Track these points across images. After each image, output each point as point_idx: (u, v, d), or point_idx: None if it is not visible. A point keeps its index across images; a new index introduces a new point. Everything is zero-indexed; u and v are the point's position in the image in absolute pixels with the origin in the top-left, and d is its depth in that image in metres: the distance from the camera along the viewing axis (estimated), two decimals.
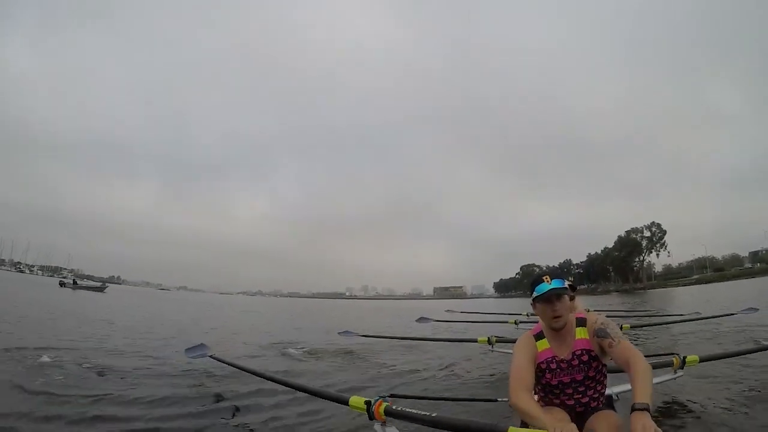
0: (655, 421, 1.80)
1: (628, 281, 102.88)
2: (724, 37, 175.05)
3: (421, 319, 11.17)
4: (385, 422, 2.58)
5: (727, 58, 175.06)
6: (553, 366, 2.45)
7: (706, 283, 73.28)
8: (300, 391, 3.74)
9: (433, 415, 2.31)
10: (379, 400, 2.61)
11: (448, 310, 15.99)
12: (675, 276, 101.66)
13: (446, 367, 7.28)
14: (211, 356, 5.56)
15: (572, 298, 4.38)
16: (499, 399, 3.76)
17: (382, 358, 8.37)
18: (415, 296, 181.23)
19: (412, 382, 6.23)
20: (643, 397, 1.92)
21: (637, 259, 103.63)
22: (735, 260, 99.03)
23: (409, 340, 9.40)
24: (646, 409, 1.85)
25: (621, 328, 6.68)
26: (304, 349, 9.50)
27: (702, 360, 4.05)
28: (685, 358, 3.91)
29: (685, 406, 4.41)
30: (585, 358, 2.41)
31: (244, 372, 4.85)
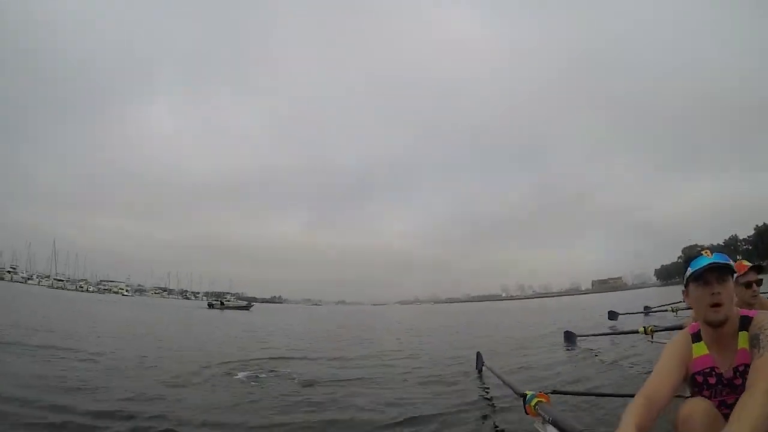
0: None
1: None
2: None
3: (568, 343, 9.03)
4: (544, 420, 2.35)
5: None
6: (712, 381, 1.88)
7: None
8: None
9: (571, 414, 2.76)
10: (536, 395, 2.55)
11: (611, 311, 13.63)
12: None
13: (606, 362, 6.71)
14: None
15: (752, 285, 3.04)
16: None
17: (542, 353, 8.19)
18: (573, 291, 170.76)
19: (574, 378, 5.72)
20: (741, 428, 1.37)
21: None
22: None
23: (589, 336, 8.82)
24: None
25: None
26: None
27: None
28: None
29: None
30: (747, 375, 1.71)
31: None
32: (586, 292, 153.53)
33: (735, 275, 1.92)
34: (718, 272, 1.81)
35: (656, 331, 6.27)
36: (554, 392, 3.02)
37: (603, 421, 3.34)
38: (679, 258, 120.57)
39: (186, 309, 41.96)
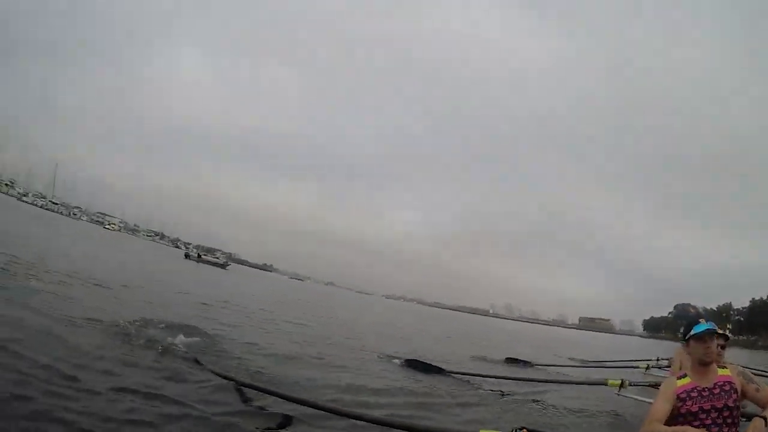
0: None
1: None
2: None
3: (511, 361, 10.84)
4: None
5: None
6: (694, 394, 2.58)
7: None
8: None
9: None
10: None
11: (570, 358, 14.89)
12: None
13: (574, 404, 6.90)
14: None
15: (723, 347, 4.18)
16: None
17: (520, 388, 7.80)
18: (560, 323, 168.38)
19: (541, 419, 5.83)
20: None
21: None
22: None
23: (527, 381, 8.53)
24: (763, 418, 2.29)
25: None
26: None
27: None
28: None
29: None
30: (727, 387, 2.57)
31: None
32: (573, 327, 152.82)
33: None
34: (710, 335, 2.63)
35: (633, 385, 6.06)
36: (526, 429, 2.93)
37: None
38: (669, 313, 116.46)
39: (163, 256, 41.79)
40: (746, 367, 9.20)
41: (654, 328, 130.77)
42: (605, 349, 23.79)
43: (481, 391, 7.19)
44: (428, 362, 8.56)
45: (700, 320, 2.64)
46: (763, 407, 2.46)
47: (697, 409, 2.50)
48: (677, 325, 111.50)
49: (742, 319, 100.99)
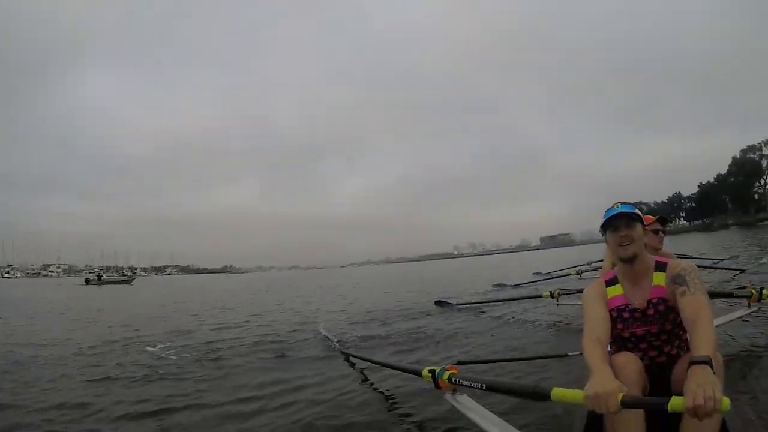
0: (726, 362, 1.86)
1: (748, 212, 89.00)
2: None
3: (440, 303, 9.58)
4: (455, 390, 2.56)
5: None
6: (626, 315, 2.22)
7: None
8: (375, 364, 4.32)
9: (487, 380, 2.33)
10: (446, 368, 2.61)
11: (495, 285, 13.37)
12: None
13: (514, 326, 6.86)
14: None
15: (660, 233, 3.92)
16: (569, 353, 3.49)
17: (449, 325, 7.43)
18: (523, 248, 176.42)
19: (481, 345, 5.70)
20: (704, 349, 1.65)
21: (757, 184, 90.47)
22: None
23: (472, 304, 8.98)
24: (707, 362, 1.57)
25: None
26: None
27: None
28: (762, 290, 3.81)
29: (760, 347, 3.92)
30: (661, 308, 2.14)
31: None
32: (536, 249, 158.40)
33: (645, 225, 2.30)
34: (626, 219, 2.18)
35: (564, 294, 6.38)
36: (460, 363, 3.11)
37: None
38: None
39: (62, 287, 39.38)
40: (700, 258, 10.42)
41: None
42: (553, 261, 23.51)
43: (418, 333, 6.82)
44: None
45: (615, 205, 2.27)
46: (687, 317, 1.87)
47: (628, 334, 2.19)
48: None
49: (694, 204, 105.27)
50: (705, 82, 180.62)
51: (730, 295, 4.25)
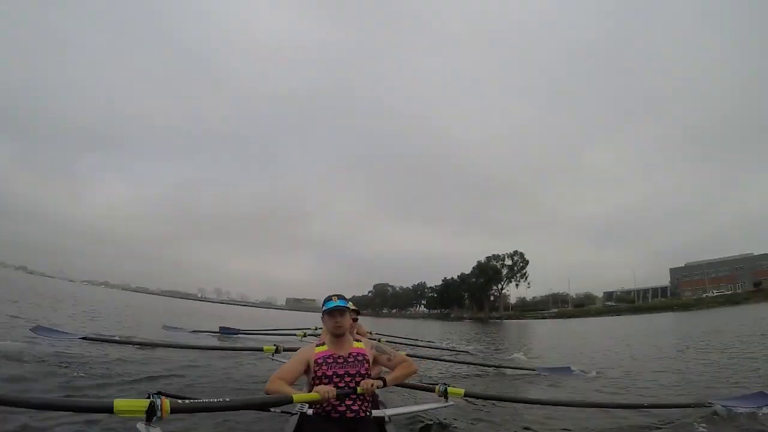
0: None
1: (483, 309, 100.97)
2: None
3: (168, 328, 11.13)
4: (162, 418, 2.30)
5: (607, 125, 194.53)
6: (330, 360, 3.02)
7: (567, 317, 73.32)
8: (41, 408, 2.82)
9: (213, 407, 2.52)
10: (163, 397, 2.30)
11: (222, 327, 14.26)
12: (532, 308, 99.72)
13: (225, 375, 7.14)
14: None
15: (355, 320, 5.36)
16: (272, 410, 3.50)
17: (148, 365, 7.20)
18: (268, 305, 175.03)
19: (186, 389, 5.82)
20: (389, 375, 3.16)
21: (495, 288, 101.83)
22: (589, 298, 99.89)
23: (190, 349, 8.69)
24: (381, 379, 3.04)
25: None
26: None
27: (468, 395, 3.93)
28: (447, 388, 3.75)
29: None
30: (360, 357, 3.10)
31: None
32: (281, 308, 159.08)
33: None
34: (340, 311, 3.10)
35: (287, 350, 6.46)
36: (160, 393, 2.61)
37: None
38: (369, 292, 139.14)
39: None
40: (389, 337, 12.14)
41: (357, 305, 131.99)
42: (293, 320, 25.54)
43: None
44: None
45: (333, 298, 3.14)
46: (394, 367, 3.19)
47: (331, 373, 2.96)
48: (378, 303, 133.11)
49: (435, 295, 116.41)
50: (471, 191, 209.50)
51: (421, 388, 4.26)
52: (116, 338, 8.88)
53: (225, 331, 13.41)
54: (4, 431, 3.51)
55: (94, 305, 24.53)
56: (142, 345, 8.54)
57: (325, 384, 2.88)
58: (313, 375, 3.00)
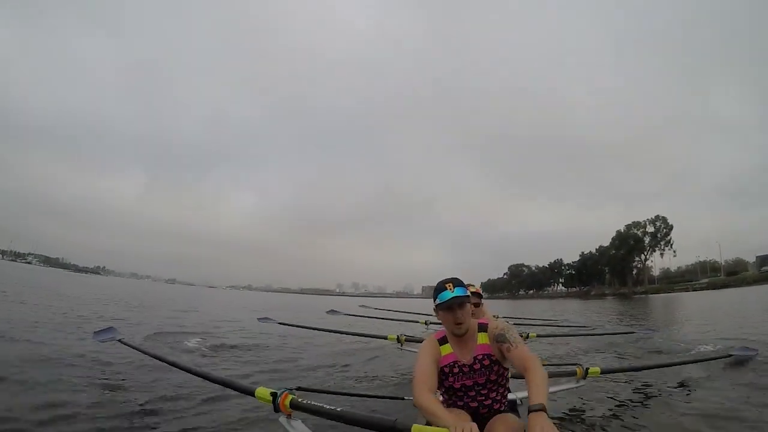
0: (558, 426, 1.90)
1: (626, 284, 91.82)
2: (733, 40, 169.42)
3: (332, 312, 11.56)
4: (290, 415, 2.59)
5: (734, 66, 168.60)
6: (456, 370, 2.59)
7: (720, 288, 63.23)
8: (206, 380, 3.60)
9: (338, 409, 2.35)
10: (285, 392, 2.59)
11: (362, 306, 15.72)
12: (678, 280, 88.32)
13: (357, 362, 7.55)
14: (120, 340, 5.06)
15: (478, 305, 4.90)
16: (405, 397, 3.84)
17: (294, 350, 8.52)
18: (405, 295, 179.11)
19: (321, 375, 6.40)
20: (539, 398, 2.04)
21: (637, 259, 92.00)
22: (740, 265, 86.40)
23: (323, 331, 8.64)
24: (542, 410, 1.97)
25: (528, 336, 7.15)
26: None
27: (604, 372, 4.27)
28: (588, 369, 4.13)
29: (585, 413, 4.56)
30: (486, 362, 2.56)
31: (150, 358, 4.45)
32: (417, 296, 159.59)
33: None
34: (459, 302, 2.51)
35: (409, 340, 6.41)
36: (299, 389, 2.95)
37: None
38: (504, 274, 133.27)
39: None
40: (510, 318, 12.62)
41: (492, 289, 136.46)
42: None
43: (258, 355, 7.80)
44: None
45: (447, 287, 2.54)
46: (519, 368, 2.36)
47: (459, 385, 2.57)
48: (514, 284, 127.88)
49: (573, 272, 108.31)
50: (596, 162, 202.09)
51: (558, 374, 4.22)
52: (304, 325, 9.54)
53: (333, 313, 11.96)
54: (181, 394, 4.71)
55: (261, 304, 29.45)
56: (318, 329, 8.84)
57: (456, 394, 2.62)
58: (440, 384, 2.63)
